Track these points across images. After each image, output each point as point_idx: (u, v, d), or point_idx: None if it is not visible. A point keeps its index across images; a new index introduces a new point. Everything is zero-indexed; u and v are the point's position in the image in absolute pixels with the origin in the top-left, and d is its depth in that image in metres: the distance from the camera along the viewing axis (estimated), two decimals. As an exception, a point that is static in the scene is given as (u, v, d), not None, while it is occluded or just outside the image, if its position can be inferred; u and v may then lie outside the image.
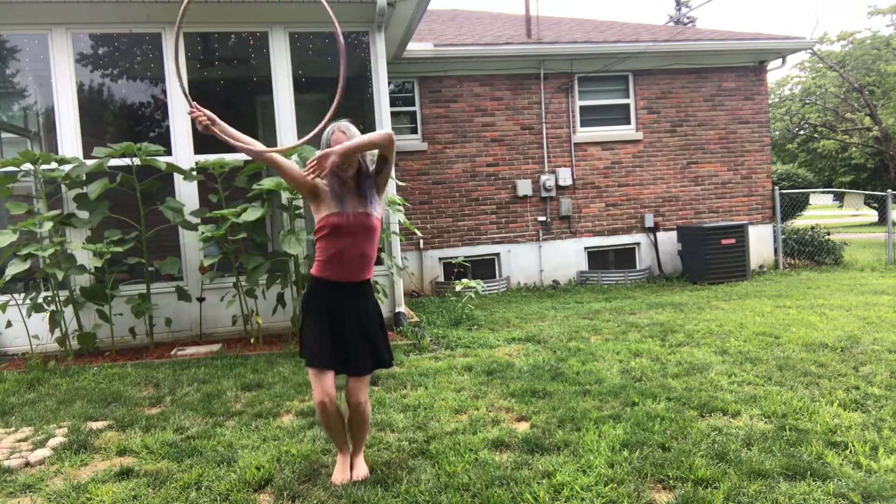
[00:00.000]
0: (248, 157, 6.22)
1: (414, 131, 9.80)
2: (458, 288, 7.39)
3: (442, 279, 9.74)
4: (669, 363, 4.83)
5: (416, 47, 8.99)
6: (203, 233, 5.90)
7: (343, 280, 2.90)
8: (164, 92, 6.53)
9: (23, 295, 5.88)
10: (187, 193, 6.44)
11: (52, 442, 3.61)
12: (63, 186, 6.08)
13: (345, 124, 2.87)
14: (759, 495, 2.72)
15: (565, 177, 10.08)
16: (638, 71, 10.38)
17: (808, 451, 3.12)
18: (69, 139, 6.26)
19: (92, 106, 6.85)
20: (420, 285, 9.71)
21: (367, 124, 7.00)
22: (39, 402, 4.40)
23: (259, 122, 7.58)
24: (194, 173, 6.17)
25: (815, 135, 26.96)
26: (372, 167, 2.93)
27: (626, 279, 10.02)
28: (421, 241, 9.65)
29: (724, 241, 9.51)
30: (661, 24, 18.81)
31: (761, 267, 10.78)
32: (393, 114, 9.12)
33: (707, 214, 10.76)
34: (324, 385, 2.84)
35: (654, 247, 10.49)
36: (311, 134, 2.75)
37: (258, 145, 2.80)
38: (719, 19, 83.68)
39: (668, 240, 10.51)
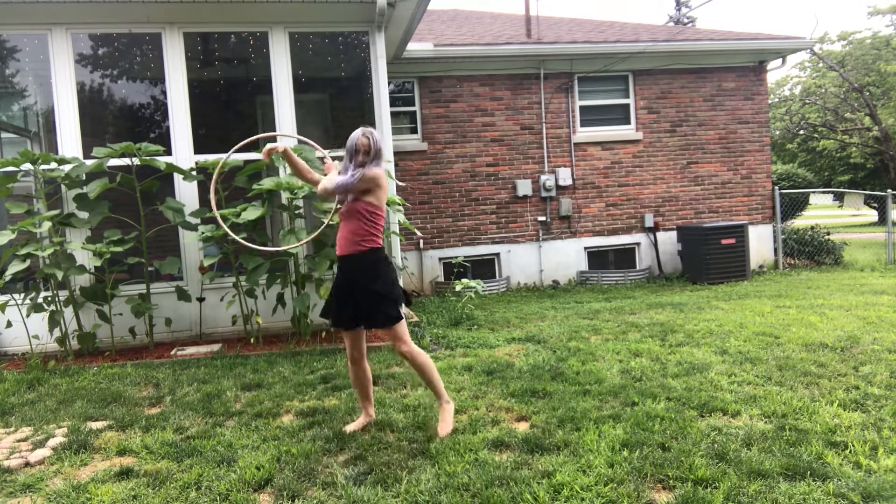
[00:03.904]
0: (248, 158, 6.29)
1: (414, 131, 9.80)
2: (457, 288, 7.39)
3: (442, 279, 9.74)
4: (669, 363, 4.83)
5: (416, 47, 8.99)
6: (203, 233, 5.90)
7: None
8: (164, 92, 6.53)
9: (23, 295, 5.88)
10: (187, 193, 6.44)
11: (52, 442, 3.61)
12: (63, 186, 6.08)
13: (369, 130, 3.52)
14: (758, 495, 2.72)
15: (565, 177, 10.08)
16: (638, 71, 10.38)
17: (807, 451, 3.12)
18: (69, 139, 6.26)
19: (92, 106, 6.85)
20: (420, 285, 9.71)
21: (366, 124, 7.00)
22: (39, 402, 4.40)
23: (259, 122, 7.59)
24: (194, 173, 6.17)
25: (815, 135, 26.96)
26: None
27: (626, 279, 10.01)
28: (421, 241, 9.66)
29: (723, 241, 9.51)
30: (661, 24, 18.80)
31: (761, 267, 10.78)
32: (393, 114, 9.12)
33: (707, 214, 10.76)
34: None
35: (654, 247, 10.49)
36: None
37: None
38: (719, 19, 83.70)
39: (668, 240, 10.51)
